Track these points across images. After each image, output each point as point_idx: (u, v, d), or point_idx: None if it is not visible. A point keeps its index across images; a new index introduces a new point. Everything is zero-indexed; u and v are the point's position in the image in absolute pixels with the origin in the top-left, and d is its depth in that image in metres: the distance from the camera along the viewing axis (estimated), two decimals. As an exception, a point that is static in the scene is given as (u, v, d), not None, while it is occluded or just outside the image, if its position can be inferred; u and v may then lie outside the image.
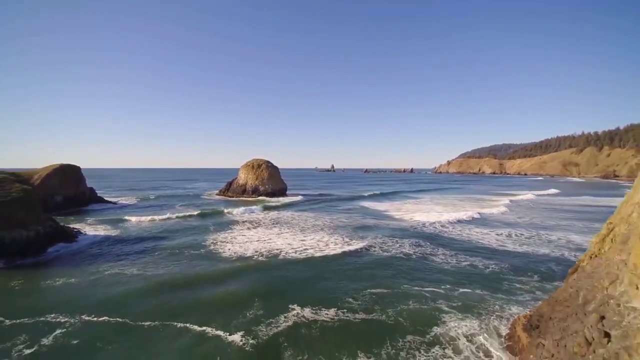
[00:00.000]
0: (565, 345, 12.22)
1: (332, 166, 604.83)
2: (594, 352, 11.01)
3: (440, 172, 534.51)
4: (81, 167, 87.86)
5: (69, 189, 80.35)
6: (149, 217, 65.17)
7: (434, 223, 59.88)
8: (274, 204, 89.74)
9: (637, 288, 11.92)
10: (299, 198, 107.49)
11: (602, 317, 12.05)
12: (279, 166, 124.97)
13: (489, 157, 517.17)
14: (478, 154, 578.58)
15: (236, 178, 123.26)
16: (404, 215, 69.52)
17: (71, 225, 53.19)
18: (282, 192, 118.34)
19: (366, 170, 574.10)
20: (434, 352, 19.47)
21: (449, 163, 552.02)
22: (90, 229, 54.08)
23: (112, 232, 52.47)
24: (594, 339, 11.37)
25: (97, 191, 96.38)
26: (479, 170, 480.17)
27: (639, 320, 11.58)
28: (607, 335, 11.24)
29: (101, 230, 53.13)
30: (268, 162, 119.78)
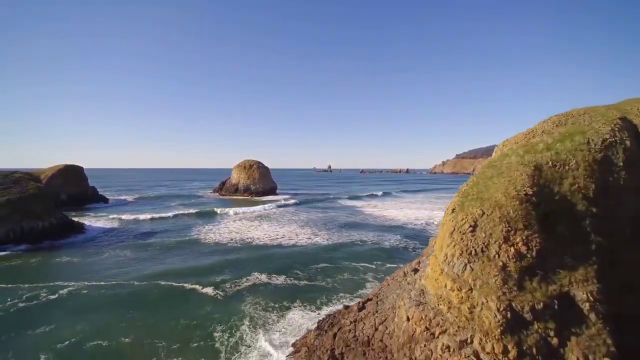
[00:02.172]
0: (397, 279, 19.43)
1: (329, 166, 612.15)
2: (406, 279, 18.26)
3: (435, 173, 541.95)
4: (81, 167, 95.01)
5: (72, 187, 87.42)
6: (146, 213, 72.35)
7: (401, 219, 67.03)
8: (262, 201, 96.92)
9: (435, 243, 19.17)
10: (287, 196, 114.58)
11: (420, 262, 19.38)
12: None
13: (483, 157, 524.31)
14: (474, 154, 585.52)
15: (229, 178, 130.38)
16: (375, 212, 76.82)
17: (77, 220, 60.23)
18: (272, 191, 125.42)
19: (362, 171, 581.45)
20: (355, 300, 26.76)
21: (443, 164, 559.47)
22: (94, 223, 61.16)
23: (114, 226, 59.66)
24: (407, 272, 18.64)
25: (98, 190, 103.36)
26: (473, 170, 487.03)
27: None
28: (416, 270, 18.51)
29: (103, 225, 60.26)
30: (259, 162, 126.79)
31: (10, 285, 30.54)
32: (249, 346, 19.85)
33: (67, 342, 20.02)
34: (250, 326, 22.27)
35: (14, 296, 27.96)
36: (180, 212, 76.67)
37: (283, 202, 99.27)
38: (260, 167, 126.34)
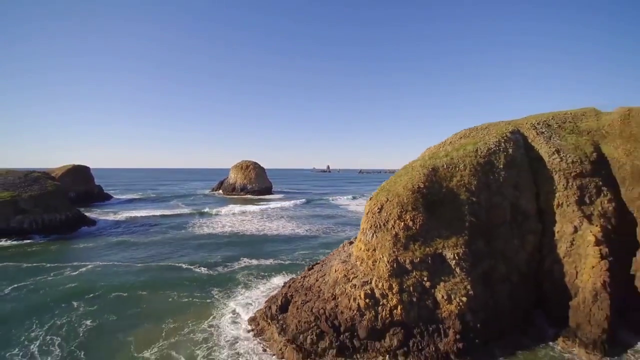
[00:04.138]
0: (339, 250, 26.18)
1: (328, 167, 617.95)
2: (344, 249, 25.03)
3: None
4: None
5: (80, 186, 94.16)
6: (149, 210, 79.11)
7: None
8: (257, 199, 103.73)
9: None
10: (281, 195, 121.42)
11: (356, 237, 26.11)
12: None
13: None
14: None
15: (227, 177, 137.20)
16: (358, 208, 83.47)
17: (87, 215, 67.03)
18: (267, 190, 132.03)
19: (361, 171, 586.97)
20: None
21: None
22: (102, 218, 67.93)
23: (119, 220, 66.37)
24: (346, 244, 25.46)
25: (103, 189, 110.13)
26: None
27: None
28: (351, 243, 25.29)
29: (110, 219, 66.98)
30: (255, 163, 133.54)
31: (37, 264, 37.08)
32: (241, 295, 27.12)
33: (92, 294, 26.89)
34: (243, 286, 29.47)
35: (43, 272, 34.52)
36: (180, 208, 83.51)
37: (276, 200, 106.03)
38: (256, 167, 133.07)
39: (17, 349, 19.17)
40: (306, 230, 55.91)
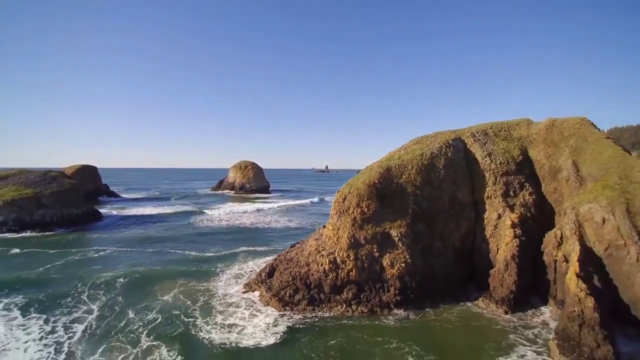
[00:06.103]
0: (315, 232, 32.98)
1: (327, 167, 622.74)
2: (319, 231, 31.77)
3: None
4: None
5: (89, 184, 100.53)
6: (153, 206, 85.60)
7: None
8: (254, 197, 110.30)
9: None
10: (278, 194, 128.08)
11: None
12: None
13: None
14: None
15: (226, 177, 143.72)
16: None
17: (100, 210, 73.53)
18: (265, 189, 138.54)
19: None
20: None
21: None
22: (111, 213, 74.52)
23: (127, 215, 72.92)
24: (321, 228, 32.20)
25: (109, 187, 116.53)
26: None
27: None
28: (324, 226, 32.04)
29: (119, 214, 73.57)
30: (253, 163, 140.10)
31: (61, 250, 43.47)
32: (238, 266, 34.10)
33: (116, 267, 33.59)
34: (241, 262, 36.47)
35: (69, 255, 40.87)
36: (182, 206, 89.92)
37: (273, 198, 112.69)
38: (255, 167, 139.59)
39: (69, 299, 25.91)
40: (297, 224, 62.74)
